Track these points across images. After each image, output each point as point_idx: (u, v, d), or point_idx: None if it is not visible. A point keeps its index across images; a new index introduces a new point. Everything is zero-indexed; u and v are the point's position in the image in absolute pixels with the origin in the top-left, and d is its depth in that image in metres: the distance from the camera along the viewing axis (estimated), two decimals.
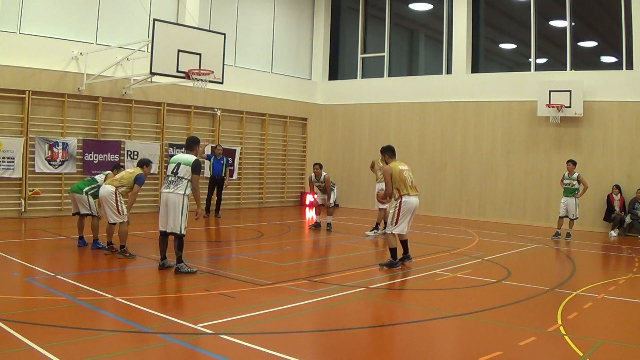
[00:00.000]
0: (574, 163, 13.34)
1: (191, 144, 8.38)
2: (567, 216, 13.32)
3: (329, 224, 13.53)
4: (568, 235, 13.21)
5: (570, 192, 13.25)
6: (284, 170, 19.49)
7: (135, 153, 15.18)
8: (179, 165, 8.10)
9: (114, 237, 9.37)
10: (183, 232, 7.98)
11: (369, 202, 19.31)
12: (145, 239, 11.43)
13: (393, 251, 9.02)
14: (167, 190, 8.03)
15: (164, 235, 8.15)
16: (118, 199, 9.16)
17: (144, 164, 9.80)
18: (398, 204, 8.94)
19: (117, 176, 9.45)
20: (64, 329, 5.39)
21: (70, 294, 6.56)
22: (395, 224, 8.95)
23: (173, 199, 7.95)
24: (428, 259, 10.08)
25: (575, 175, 13.23)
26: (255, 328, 5.85)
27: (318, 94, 20.76)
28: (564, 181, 13.41)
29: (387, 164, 9.34)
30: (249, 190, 18.45)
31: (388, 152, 9.46)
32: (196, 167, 8.05)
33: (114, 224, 9.25)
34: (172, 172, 8.10)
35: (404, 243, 9.30)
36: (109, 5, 14.94)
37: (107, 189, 9.19)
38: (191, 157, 8.14)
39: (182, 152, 8.51)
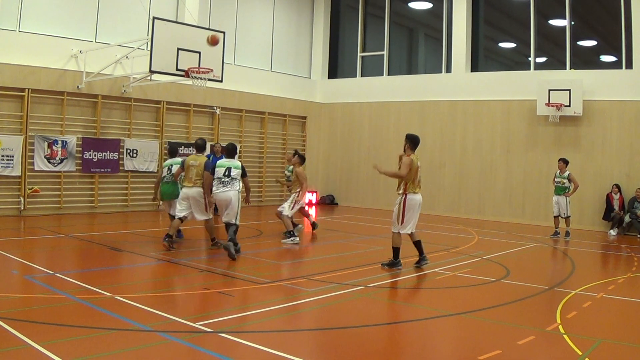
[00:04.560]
0: (565, 162, 13.32)
1: (233, 151, 9.78)
2: (560, 215, 13.32)
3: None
4: (567, 234, 13.22)
5: (561, 190, 13.25)
6: (284, 168, 19.46)
7: (135, 151, 15.17)
8: (229, 169, 9.53)
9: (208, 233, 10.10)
10: (238, 222, 9.63)
11: (368, 201, 19.35)
12: (145, 237, 11.43)
13: (396, 251, 8.85)
14: (225, 189, 9.44)
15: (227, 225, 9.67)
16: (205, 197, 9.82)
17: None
18: (402, 201, 8.67)
19: (192, 174, 9.75)
20: (63, 327, 5.39)
21: (70, 292, 6.56)
22: (402, 223, 8.69)
23: (232, 195, 9.44)
24: (427, 257, 10.07)
25: (566, 174, 13.21)
26: (254, 326, 5.86)
27: (317, 92, 20.75)
28: (555, 179, 13.42)
29: (404, 151, 8.90)
30: None
31: (411, 142, 8.91)
32: (245, 170, 9.73)
33: (207, 220, 9.97)
34: (224, 175, 9.50)
35: (418, 244, 9.00)
36: (108, 3, 14.92)
37: (197, 190, 9.74)
38: (238, 162, 9.70)
39: (223, 157, 10.02)
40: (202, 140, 10.18)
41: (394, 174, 8.85)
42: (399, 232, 8.76)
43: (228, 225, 9.58)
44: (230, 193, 9.45)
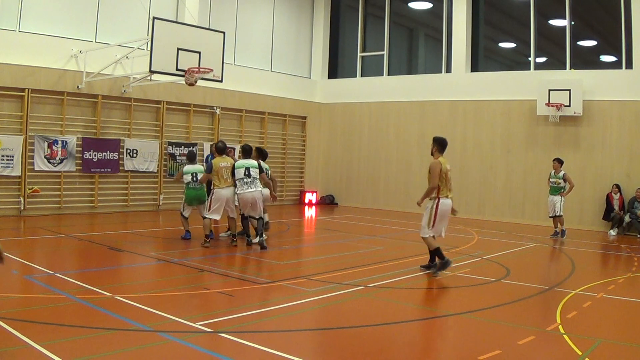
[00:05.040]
0: (560, 161, 13.28)
1: (249, 152, 10.40)
2: (555, 214, 13.26)
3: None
4: (562, 233, 13.18)
5: (556, 190, 13.20)
6: (283, 168, 19.48)
7: (135, 151, 15.17)
8: (248, 169, 10.11)
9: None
10: (264, 217, 10.48)
11: (368, 201, 19.35)
12: (145, 237, 11.43)
13: (437, 252, 8.44)
14: (250, 189, 10.09)
15: (245, 217, 10.60)
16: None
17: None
18: (435, 206, 8.33)
19: (227, 175, 10.25)
20: (63, 327, 5.39)
21: (70, 292, 6.56)
22: (432, 227, 8.38)
23: (256, 195, 10.14)
24: (427, 257, 10.06)
25: (561, 174, 13.16)
26: (254, 326, 5.86)
27: (317, 92, 20.75)
28: (550, 179, 13.37)
29: (432, 154, 8.72)
30: None
31: (438, 145, 8.71)
32: (261, 167, 10.47)
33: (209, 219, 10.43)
34: (245, 175, 10.06)
35: (436, 251, 8.60)
36: (108, 3, 14.92)
37: (232, 190, 10.30)
38: (255, 162, 10.35)
39: (240, 158, 10.62)
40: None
41: (429, 190, 8.39)
42: (429, 235, 8.42)
43: (250, 218, 10.36)
44: (255, 193, 10.12)
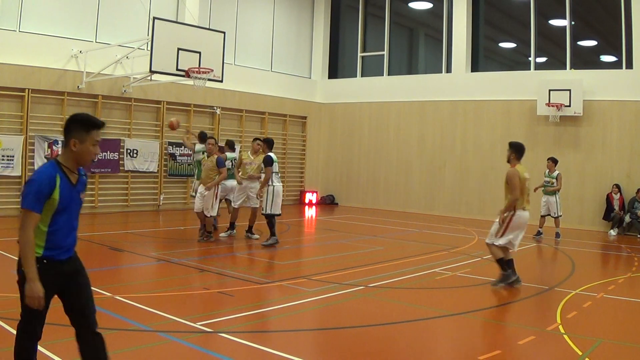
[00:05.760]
0: (555, 161, 13.14)
1: (272, 144, 10.85)
2: (549, 214, 13.07)
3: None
4: (557, 235, 13.00)
5: (550, 190, 13.05)
6: (284, 168, 19.45)
7: (135, 151, 15.17)
8: (276, 163, 10.62)
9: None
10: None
11: (368, 201, 19.35)
12: (145, 237, 11.44)
13: (500, 262, 7.79)
14: (280, 183, 10.66)
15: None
16: None
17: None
18: (509, 217, 7.73)
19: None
20: (64, 327, 5.37)
21: None
22: (500, 236, 7.76)
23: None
24: (427, 257, 10.09)
25: (555, 174, 13.02)
26: (255, 326, 5.86)
27: (317, 92, 20.75)
28: (545, 179, 13.24)
29: (508, 161, 8.12)
30: None
31: (516, 151, 8.11)
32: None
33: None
34: (279, 169, 10.78)
35: (509, 263, 7.82)
36: (108, 3, 14.92)
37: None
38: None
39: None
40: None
41: (510, 203, 7.72)
42: (495, 244, 7.81)
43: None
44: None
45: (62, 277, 3.73)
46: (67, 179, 3.60)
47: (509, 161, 8.08)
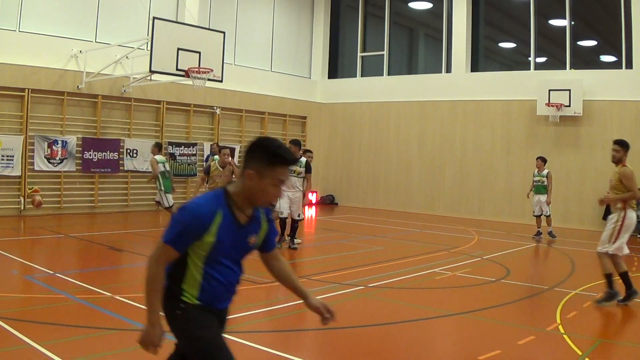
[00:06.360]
0: (544, 160, 13.13)
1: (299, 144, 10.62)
2: (542, 214, 13.04)
3: None
4: (551, 234, 12.94)
5: (541, 189, 12.96)
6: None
7: (135, 151, 15.18)
8: None
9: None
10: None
11: (368, 201, 19.35)
12: (145, 237, 11.43)
13: (609, 278, 7.15)
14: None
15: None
16: None
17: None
18: (621, 219, 7.16)
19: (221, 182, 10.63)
20: (64, 327, 5.39)
21: (70, 292, 6.56)
22: (614, 242, 7.17)
23: None
24: (427, 257, 10.09)
25: (544, 172, 12.97)
26: (254, 326, 5.86)
27: (317, 92, 20.75)
28: (534, 178, 13.18)
29: (618, 161, 7.43)
30: None
31: (627, 148, 7.59)
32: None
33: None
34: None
35: (624, 276, 7.17)
36: (108, 3, 14.91)
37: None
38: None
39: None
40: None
41: (628, 197, 7.15)
42: (607, 252, 7.21)
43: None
44: None
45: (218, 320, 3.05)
46: (232, 217, 2.80)
47: (615, 161, 7.43)
